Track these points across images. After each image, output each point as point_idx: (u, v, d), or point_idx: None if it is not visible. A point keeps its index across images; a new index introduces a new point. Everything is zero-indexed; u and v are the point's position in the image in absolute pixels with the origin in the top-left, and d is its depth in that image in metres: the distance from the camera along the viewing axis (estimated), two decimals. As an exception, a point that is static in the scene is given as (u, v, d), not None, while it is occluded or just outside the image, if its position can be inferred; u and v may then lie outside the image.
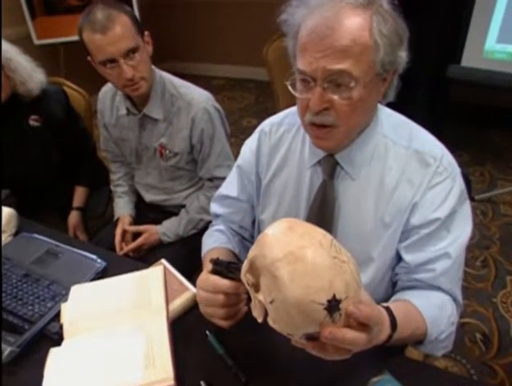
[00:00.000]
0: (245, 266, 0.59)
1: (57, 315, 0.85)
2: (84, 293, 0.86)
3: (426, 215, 0.78)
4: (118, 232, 1.39)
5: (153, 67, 1.25)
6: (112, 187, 1.56)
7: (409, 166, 0.79)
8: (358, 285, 0.54)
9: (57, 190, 1.53)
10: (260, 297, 0.57)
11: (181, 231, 1.37)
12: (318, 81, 0.69)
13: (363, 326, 0.54)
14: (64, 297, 0.89)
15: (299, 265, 0.51)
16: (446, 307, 0.80)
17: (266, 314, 0.58)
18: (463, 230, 0.80)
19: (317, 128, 0.74)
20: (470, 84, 2.47)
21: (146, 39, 1.19)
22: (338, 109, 0.71)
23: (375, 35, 0.67)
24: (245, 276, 0.59)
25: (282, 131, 0.91)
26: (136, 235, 1.40)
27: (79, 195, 1.55)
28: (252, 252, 0.58)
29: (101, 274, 0.97)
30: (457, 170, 0.81)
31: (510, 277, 1.90)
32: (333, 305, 0.50)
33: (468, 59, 2.18)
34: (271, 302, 0.54)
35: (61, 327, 0.80)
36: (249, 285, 0.59)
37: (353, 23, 0.66)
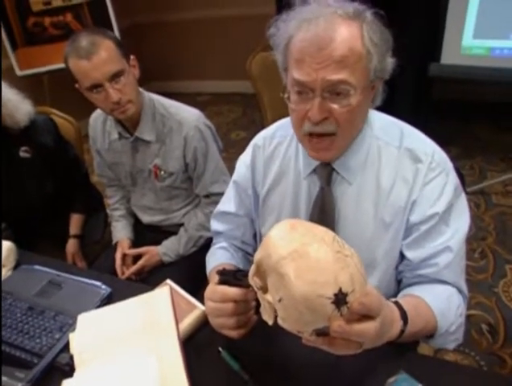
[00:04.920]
0: (252, 269, 0.60)
1: (66, 346, 0.84)
2: (91, 321, 0.85)
3: (424, 212, 0.80)
4: (118, 256, 1.39)
5: (141, 89, 1.26)
6: (109, 211, 1.56)
7: (402, 165, 0.81)
8: (364, 278, 0.54)
9: (53, 219, 1.52)
10: (268, 297, 0.57)
11: (181, 249, 1.37)
12: (317, 91, 0.70)
13: (368, 317, 0.54)
14: (72, 326, 0.89)
15: (303, 261, 0.52)
16: (453, 299, 0.81)
17: (276, 317, 0.58)
18: (461, 223, 0.82)
19: (317, 139, 0.76)
20: (451, 81, 2.52)
21: (132, 62, 1.20)
22: (338, 117, 0.72)
23: (367, 44, 0.69)
24: (252, 279, 0.60)
25: (275, 144, 0.93)
26: (136, 257, 1.40)
27: (75, 222, 1.54)
28: (258, 255, 0.59)
29: (107, 300, 0.96)
30: (449, 165, 0.83)
31: (509, 265, 1.92)
32: (340, 299, 0.51)
33: (448, 57, 2.24)
34: (279, 301, 0.54)
35: (71, 358, 0.79)
36: (257, 288, 0.60)
37: (347, 33, 0.68)
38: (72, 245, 1.51)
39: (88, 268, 1.46)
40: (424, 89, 2.53)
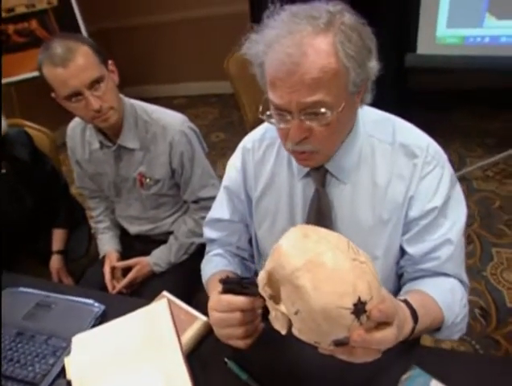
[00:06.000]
0: (263, 279, 0.58)
1: (62, 371, 0.80)
2: (87, 342, 0.80)
3: (423, 206, 0.79)
4: (107, 270, 1.33)
5: (121, 95, 1.22)
6: (93, 224, 1.50)
7: (397, 161, 0.80)
8: (379, 284, 0.53)
9: (34, 235, 1.46)
10: (282, 308, 0.55)
11: (173, 258, 1.33)
12: (294, 114, 0.68)
13: (385, 323, 0.53)
14: (66, 350, 0.84)
15: (319, 272, 0.50)
16: (456, 291, 0.81)
17: (289, 326, 0.56)
18: (459, 213, 0.82)
19: (299, 154, 0.76)
20: (426, 71, 2.56)
21: (111, 67, 1.15)
22: (317, 136, 0.71)
23: (342, 59, 0.65)
24: (263, 289, 0.58)
25: (265, 146, 0.90)
26: (126, 270, 1.34)
27: (57, 237, 1.48)
28: (269, 264, 0.56)
29: (102, 318, 0.92)
30: (444, 157, 0.82)
31: (495, 248, 1.96)
32: (360, 308, 0.49)
33: (423, 47, 2.27)
34: (296, 313, 0.52)
35: (69, 384, 0.75)
36: (268, 297, 0.58)
37: (318, 53, 0.64)
38: (55, 262, 1.45)
39: (75, 285, 1.40)
40: (402, 81, 2.56)
